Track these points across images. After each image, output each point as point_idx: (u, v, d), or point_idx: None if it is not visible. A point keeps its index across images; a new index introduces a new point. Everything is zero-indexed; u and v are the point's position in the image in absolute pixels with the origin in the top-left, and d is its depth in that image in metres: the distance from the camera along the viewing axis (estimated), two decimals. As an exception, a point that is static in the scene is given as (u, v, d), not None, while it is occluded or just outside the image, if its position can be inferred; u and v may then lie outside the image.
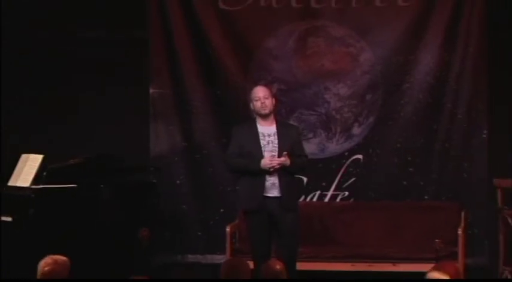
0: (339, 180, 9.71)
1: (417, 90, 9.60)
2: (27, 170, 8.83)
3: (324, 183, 9.62)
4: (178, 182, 9.88)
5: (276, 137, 7.93)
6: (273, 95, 8.16)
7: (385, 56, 9.66)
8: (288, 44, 9.76)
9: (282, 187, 7.87)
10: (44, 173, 8.71)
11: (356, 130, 9.73)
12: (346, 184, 9.69)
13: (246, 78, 9.77)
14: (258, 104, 7.93)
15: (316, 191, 9.69)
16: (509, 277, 7.49)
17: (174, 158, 9.92)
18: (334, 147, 9.65)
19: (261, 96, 7.94)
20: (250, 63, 9.81)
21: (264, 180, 7.85)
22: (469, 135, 9.51)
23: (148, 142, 9.93)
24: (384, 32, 9.64)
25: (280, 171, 7.83)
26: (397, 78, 9.64)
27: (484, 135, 9.46)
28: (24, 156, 8.94)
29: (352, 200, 9.71)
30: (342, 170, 9.68)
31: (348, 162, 9.68)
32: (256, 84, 9.01)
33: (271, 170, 7.78)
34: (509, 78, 8.93)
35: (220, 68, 9.84)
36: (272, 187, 7.87)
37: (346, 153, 9.68)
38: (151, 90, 9.91)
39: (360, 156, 9.67)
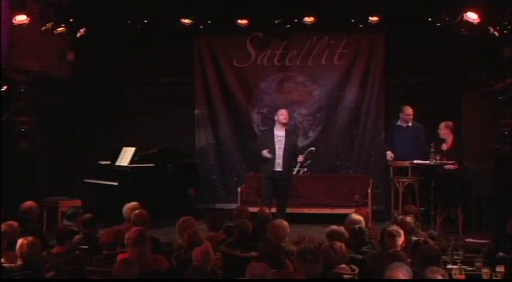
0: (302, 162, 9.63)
1: (345, 111, 9.62)
2: (126, 156, 8.90)
3: (293, 164, 9.42)
4: (211, 163, 9.85)
5: (283, 138, 8.08)
6: (290, 116, 8.40)
7: (327, 92, 9.66)
8: (273, 85, 9.78)
9: (283, 166, 8.04)
10: (136, 158, 8.79)
11: (311, 134, 9.74)
12: (306, 164, 9.61)
13: (249, 105, 9.76)
14: (280, 117, 8.09)
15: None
16: (397, 217, 7.35)
17: (208, 149, 9.87)
18: (299, 143, 9.49)
19: (285, 114, 8.13)
20: (252, 96, 9.79)
21: (274, 162, 8.00)
22: (374, 137, 9.53)
23: (194, 140, 9.89)
24: (326, 79, 9.66)
25: (283, 157, 7.98)
26: (333, 105, 9.66)
27: (382, 137, 9.46)
28: (124, 148, 8.99)
29: (309, 173, 9.69)
30: (303, 156, 9.47)
31: (306, 151, 9.44)
32: (254, 109, 9.33)
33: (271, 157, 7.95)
34: (394, 107, 8.83)
35: (234, 99, 9.79)
36: (278, 165, 8.02)
37: (306, 147, 9.54)
38: (196, 111, 9.90)
39: (313, 148, 9.52)
